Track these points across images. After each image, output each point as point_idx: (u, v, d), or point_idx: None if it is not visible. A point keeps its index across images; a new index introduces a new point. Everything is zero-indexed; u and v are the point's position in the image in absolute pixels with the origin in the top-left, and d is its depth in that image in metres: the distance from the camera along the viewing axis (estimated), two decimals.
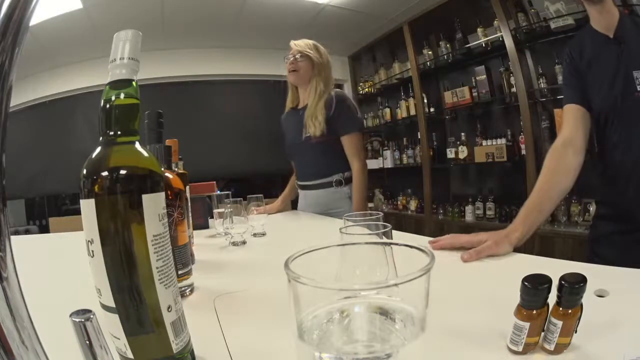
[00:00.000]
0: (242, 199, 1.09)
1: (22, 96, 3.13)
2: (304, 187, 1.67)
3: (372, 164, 3.63)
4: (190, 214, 0.93)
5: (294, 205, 1.80)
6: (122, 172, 0.32)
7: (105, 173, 0.32)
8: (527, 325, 0.35)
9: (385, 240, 0.44)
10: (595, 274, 0.42)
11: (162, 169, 0.43)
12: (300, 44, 1.58)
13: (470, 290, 0.58)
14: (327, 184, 1.58)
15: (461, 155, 2.88)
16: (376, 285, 0.25)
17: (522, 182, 2.37)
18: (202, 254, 0.89)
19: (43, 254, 1.10)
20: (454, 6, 2.72)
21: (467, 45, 2.82)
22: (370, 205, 3.55)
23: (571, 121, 0.93)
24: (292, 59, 1.58)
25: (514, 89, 2.45)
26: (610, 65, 0.88)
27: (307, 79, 1.59)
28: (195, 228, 1.15)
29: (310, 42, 1.60)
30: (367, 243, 0.36)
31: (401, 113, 3.43)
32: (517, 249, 0.75)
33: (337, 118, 1.53)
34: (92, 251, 0.31)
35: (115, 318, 0.31)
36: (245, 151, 3.61)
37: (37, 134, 3.19)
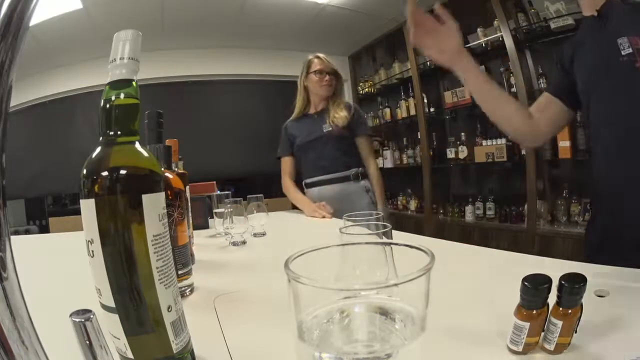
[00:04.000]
0: (242, 199, 1.09)
1: (22, 96, 3.13)
2: (325, 182, 1.69)
3: None
4: (190, 214, 0.93)
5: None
6: (122, 172, 0.32)
7: (105, 173, 0.32)
8: (527, 325, 0.35)
9: (385, 240, 0.44)
10: (595, 274, 0.42)
11: (162, 169, 0.43)
12: (333, 63, 1.74)
13: (470, 290, 0.58)
14: (345, 178, 1.64)
15: (461, 155, 2.88)
16: (376, 285, 0.25)
17: (522, 182, 2.37)
18: (202, 254, 0.89)
19: (43, 254, 1.10)
20: (454, 6, 2.71)
21: (467, 45, 2.82)
22: None
23: (537, 103, 0.98)
24: (327, 77, 1.70)
25: (514, 89, 2.45)
26: (593, 39, 0.87)
27: (332, 92, 1.74)
28: (195, 228, 1.15)
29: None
30: (367, 243, 0.36)
31: (401, 113, 3.43)
32: (517, 249, 0.75)
33: (355, 120, 1.69)
34: (92, 251, 0.31)
35: (115, 318, 0.31)
36: (245, 151, 3.61)
37: (37, 134, 3.19)
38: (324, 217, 1.53)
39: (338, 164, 1.66)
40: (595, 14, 0.86)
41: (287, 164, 1.83)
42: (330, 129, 1.65)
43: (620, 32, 0.80)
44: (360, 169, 1.66)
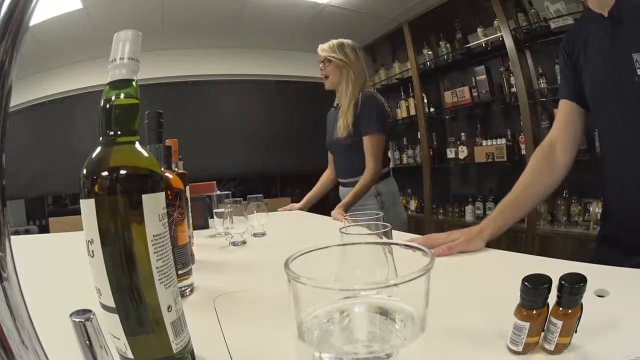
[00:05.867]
0: (242, 199, 1.09)
1: (22, 96, 3.13)
2: (340, 184, 1.75)
3: None
4: (190, 214, 0.93)
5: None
6: (122, 172, 0.32)
7: (105, 173, 0.32)
8: (527, 325, 0.35)
9: (385, 240, 0.44)
10: (595, 274, 0.42)
11: (162, 169, 0.43)
12: (325, 48, 1.62)
13: (470, 290, 0.58)
14: (355, 183, 1.62)
15: (461, 155, 2.88)
16: (376, 285, 0.25)
17: None
18: (202, 254, 0.89)
19: (43, 254, 1.10)
20: (454, 6, 2.72)
21: (467, 45, 2.83)
22: None
23: (561, 119, 0.91)
24: (321, 65, 1.64)
25: (514, 89, 2.46)
26: (602, 47, 0.82)
27: (337, 81, 1.63)
28: (195, 228, 1.15)
29: (335, 43, 1.62)
30: (367, 243, 0.36)
31: (401, 113, 3.43)
32: (517, 249, 0.76)
33: (360, 118, 1.58)
34: (92, 251, 0.31)
35: (115, 318, 0.31)
36: (245, 151, 3.61)
37: (37, 134, 3.19)
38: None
39: (350, 169, 1.66)
40: (606, 14, 0.81)
41: (330, 156, 1.84)
42: (339, 137, 1.62)
43: (635, 45, 0.76)
44: None
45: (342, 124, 1.58)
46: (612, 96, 0.81)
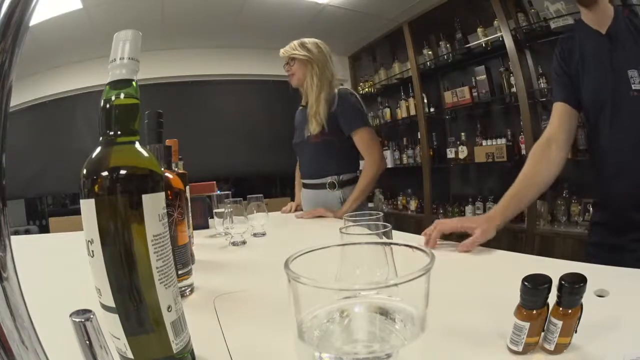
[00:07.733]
0: (242, 199, 1.09)
1: (22, 96, 3.13)
2: (304, 185, 1.69)
3: None
4: (190, 214, 0.93)
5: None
6: (122, 172, 0.32)
7: (105, 173, 0.32)
8: (527, 325, 0.35)
9: (385, 240, 0.44)
10: (595, 274, 0.42)
11: (162, 169, 0.43)
12: (286, 49, 1.61)
13: (470, 290, 0.58)
14: (320, 185, 1.58)
15: (461, 155, 2.88)
16: (376, 285, 0.25)
17: None
18: (202, 254, 0.89)
19: (43, 254, 1.10)
20: (454, 6, 2.72)
21: (467, 45, 2.82)
22: (370, 204, 3.55)
23: (556, 120, 0.97)
24: (286, 67, 1.62)
25: (514, 89, 2.45)
26: (601, 62, 0.88)
27: (302, 77, 1.59)
28: (195, 228, 1.15)
29: (296, 42, 1.61)
30: (367, 243, 0.36)
31: (401, 113, 3.43)
32: (517, 249, 0.76)
33: (340, 115, 1.51)
34: (92, 251, 0.31)
35: (115, 318, 0.31)
36: (245, 151, 3.61)
37: (37, 134, 3.19)
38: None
39: (317, 170, 1.60)
40: (604, 32, 0.88)
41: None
42: (310, 134, 1.56)
43: (630, 62, 0.83)
44: (340, 176, 1.55)
45: (314, 120, 1.51)
46: (609, 108, 0.88)
